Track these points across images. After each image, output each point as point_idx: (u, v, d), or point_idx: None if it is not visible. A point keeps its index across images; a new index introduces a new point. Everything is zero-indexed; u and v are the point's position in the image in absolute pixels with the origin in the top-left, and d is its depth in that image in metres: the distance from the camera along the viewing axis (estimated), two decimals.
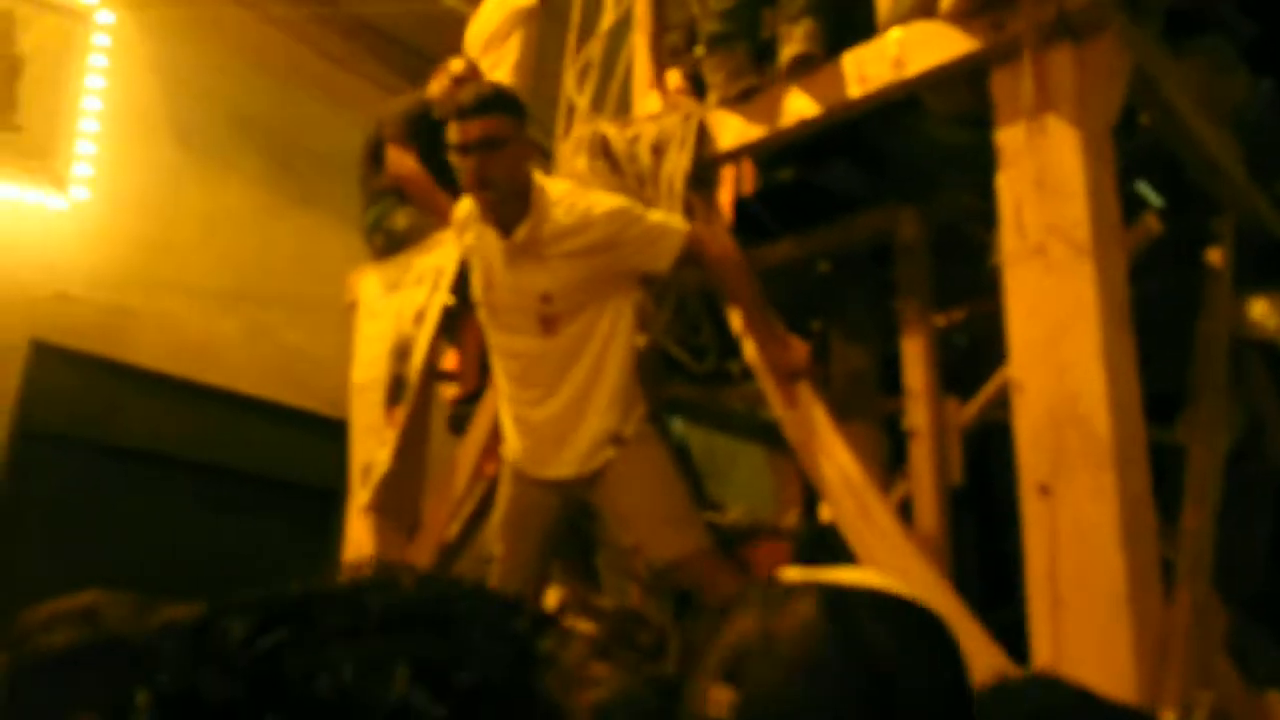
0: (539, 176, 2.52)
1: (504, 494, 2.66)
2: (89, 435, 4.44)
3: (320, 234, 5.21)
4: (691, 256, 2.49)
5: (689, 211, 2.61)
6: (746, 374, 3.16)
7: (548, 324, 2.48)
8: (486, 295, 2.60)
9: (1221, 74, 2.68)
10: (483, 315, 2.65)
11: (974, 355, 3.35)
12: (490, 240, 2.52)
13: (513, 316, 2.54)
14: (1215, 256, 2.78)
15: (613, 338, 2.49)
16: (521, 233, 2.45)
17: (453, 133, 2.44)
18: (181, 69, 5.04)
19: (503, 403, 2.65)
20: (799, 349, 2.51)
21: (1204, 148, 2.57)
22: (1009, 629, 2.03)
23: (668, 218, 2.52)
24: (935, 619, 0.76)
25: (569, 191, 2.51)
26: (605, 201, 2.49)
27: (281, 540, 4.86)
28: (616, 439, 2.49)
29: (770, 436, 4.25)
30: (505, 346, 2.59)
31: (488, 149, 2.40)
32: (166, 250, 4.84)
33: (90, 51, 4.80)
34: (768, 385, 2.50)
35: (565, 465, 2.52)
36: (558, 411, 2.49)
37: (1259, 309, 3.01)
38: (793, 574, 0.82)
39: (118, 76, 4.86)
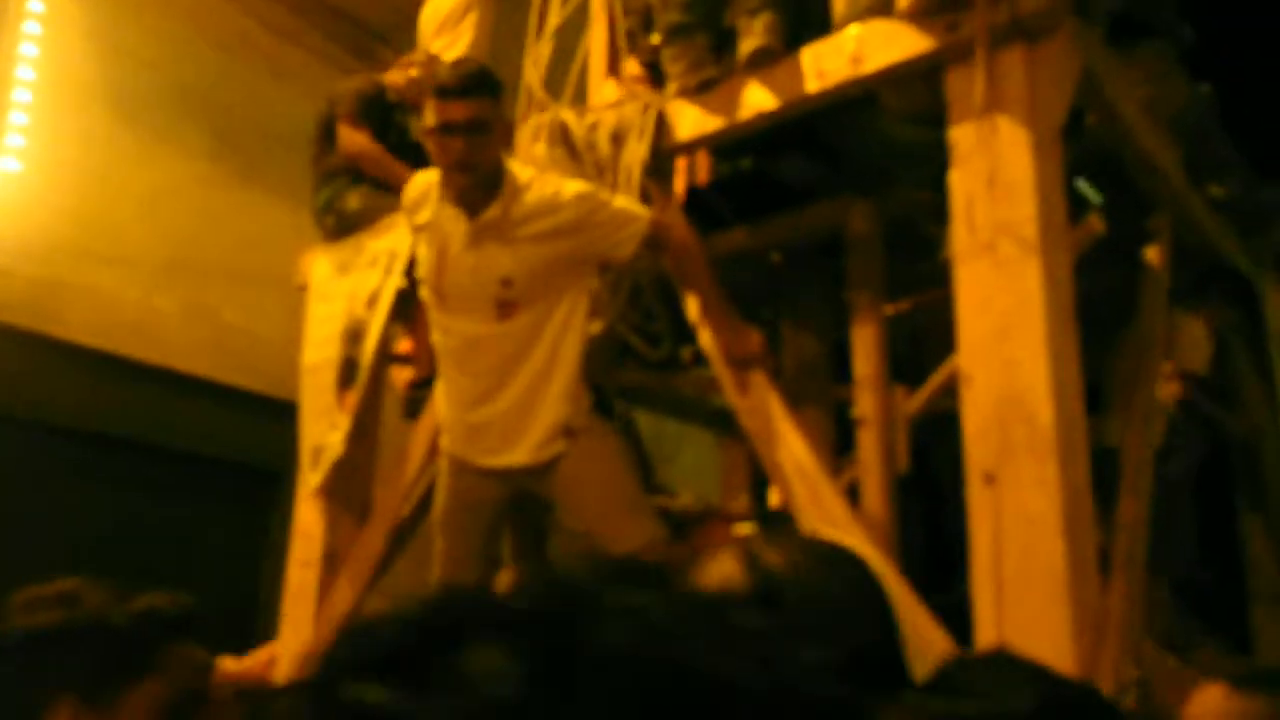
0: (508, 161, 2.52)
1: (444, 486, 2.64)
2: (20, 412, 4.33)
3: (263, 211, 5.13)
4: (653, 242, 2.51)
5: (646, 200, 2.63)
6: (697, 360, 3.21)
7: (504, 309, 2.46)
8: (437, 277, 2.56)
9: (1163, 78, 2.78)
10: (428, 297, 2.62)
11: (921, 345, 3.44)
12: (450, 221, 2.50)
13: (467, 300, 2.52)
14: (1152, 255, 2.88)
15: (568, 327, 2.49)
16: (491, 213, 2.44)
17: (432, 113, 2.40)
18: (119, 37, 4.90)
19: (445, 390, 2.63)
20: (753, 337, 2.55)
21: (1145, 149, 2.67)
22: (951, 611, 2.11)
23: (632, 204, 2.53)
24: (851, 555, 0.78)
25: (535, 175, 2.51)
26: (573, 185, 2.50)
27: (222, 522, 4.79)
28: (568, 431, 2.50)
29: (719, 422, 4.31)
30: (455, 330, 2.56)
31: (473, 132, 2.38)
32: (102, 224, 4.72)
33: (23, 18, 4.65)
34: (722, 372, 2.54)
35: (516, 455, 2.51)
36: (510, 401, 2.48)
37: (1189, 337, 3.13)
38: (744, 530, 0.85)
39: (52, 44, 4.72)
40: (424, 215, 2.58)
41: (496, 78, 2.52)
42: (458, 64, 2.67)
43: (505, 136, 2.53)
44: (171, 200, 4.97)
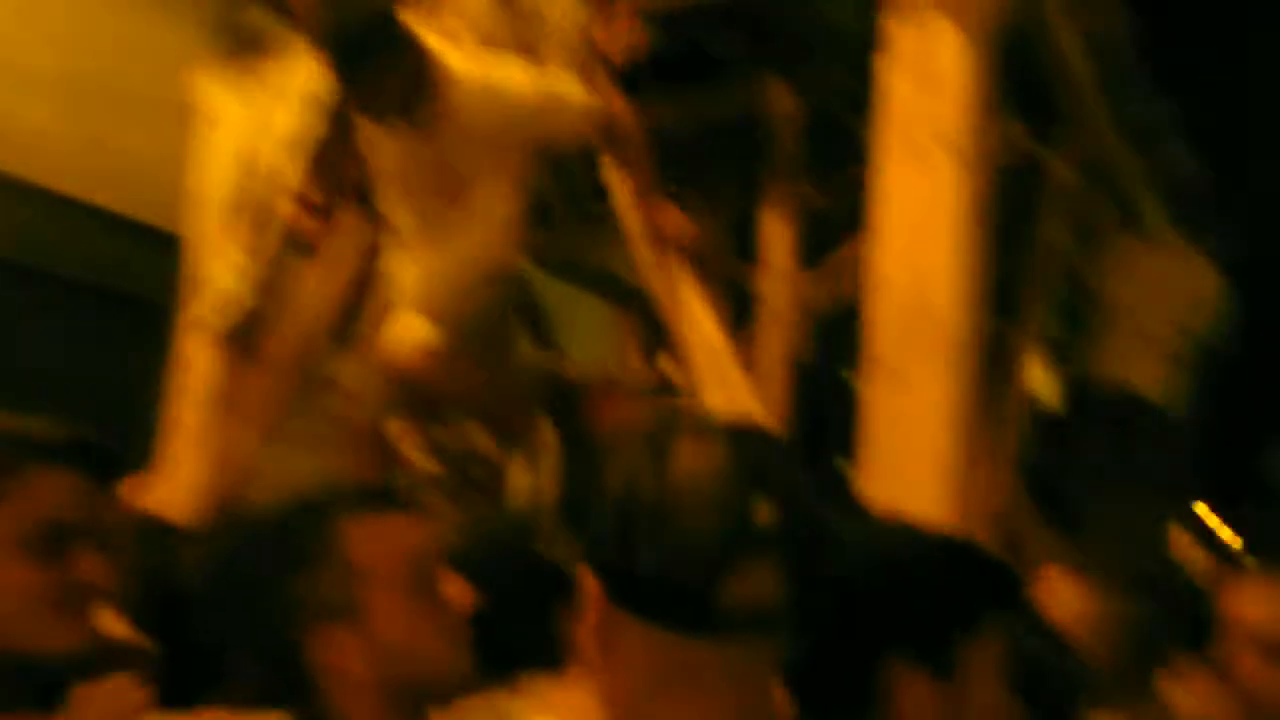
0: (432, 45, 2.38)
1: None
2: None
3: (150, 22, 4.76)
4: (601, 133, 2.45)
5: (576, 63, 2.56)
6: (604, 222, 3.19)
7: (443, 195, 2.44)
8: (379, 161, 2.56)
9: None
10: (378, 184, 2.61)
11: (824, 228, 3.51)
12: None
13: (406, 184, 2.51)
14: (1058, 166, 2.98)
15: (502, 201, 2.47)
16: (423, 120, 2.36)
17: None
18: None
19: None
20: (676, 217, 2.55)
21: (1063, 62, 2.72)
22: (825, 485, 2.23)
23: (578, 89, 2.46)
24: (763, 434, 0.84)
25: (472, 65, 2.39)
26: (512, 77, 2.39)
27: (101, 350, 4.61)
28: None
29: (618, 290, 4.34)
30: (396, 220, 2.57)
31: (366, 105, 2.36)
32: None
33: None
34: (639, 247, 2.54)
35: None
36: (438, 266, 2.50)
37: (1036, 377, 3.24)
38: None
39: None
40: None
41: (392, 31, 2.29)
42: (341, 38, 2.30)
43: (416, 58, 2.32)
44: (51, 9, 4.58)
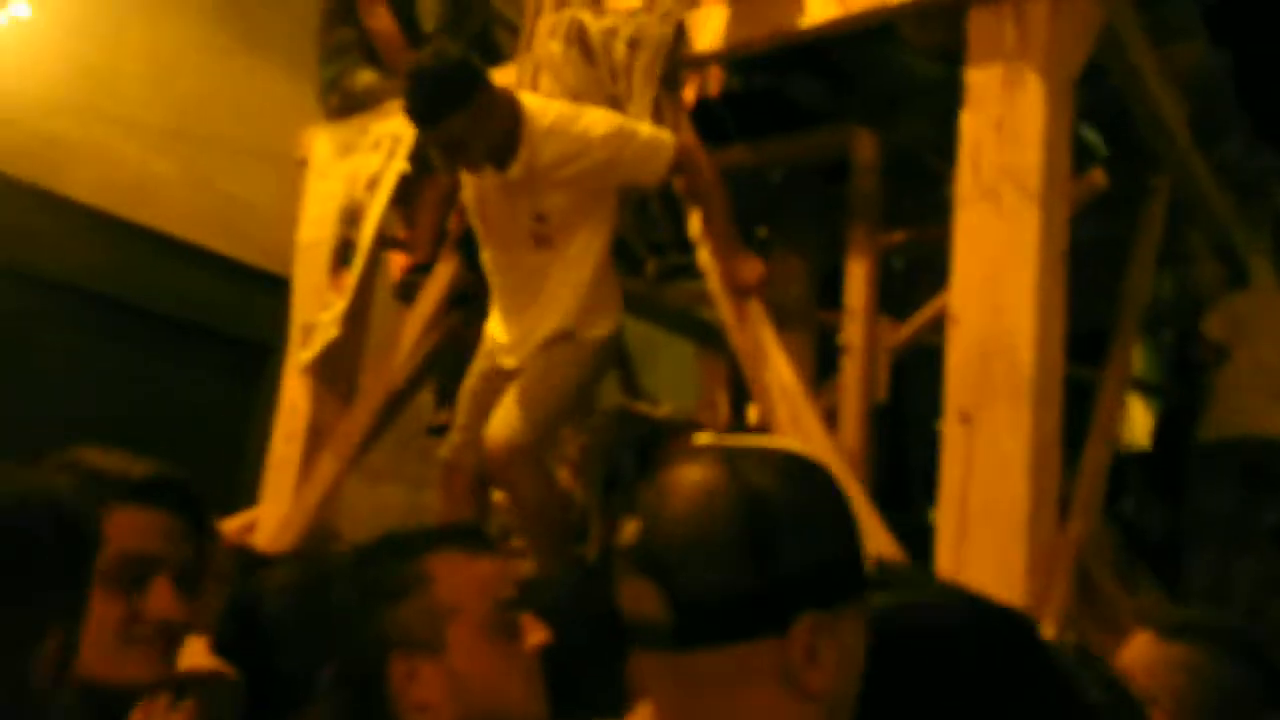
0: (524, 102, 2.49)
1: (477, 368, 2.72)
2: (14, 264, 4.32)
3: (265, 80, 5.05)
4: (676, 167, 2.52)
5: (658, 112, 2.63)
6: (688, 270, 3.24)
7: (541, 240, 2.52)
8: (480, 210, 2.64)
9: (1181, 36, 2.78)
10: (475, 226, 2.70)
11: (910, 279, 3.49)
12: (485, 171, 2.55)
13: (506, 234, 2.59)
14: (1151, 212, 2.92)
15: (596, 239, 2.55)
16: (515, 170, 2.46)
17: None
18: None
19: (495, 301, 2.72)
20: (754, 267, 2.58)
21: (1155, 106, 2.68)
22: (908, 533, 2.21)
23: (657, 132, 2.53)
24: (824, 473, 0.81)
25: (560, 117, 2.47)
26: (600, 123, 2.47)
27: (208, 390, 4.84)
28: (563, 335, 2.53)
29: (703, 333, 4.38)
30: (499, 261, 2.65)
31: (451, 151, 2.45)
32: (106, 79, 4.64)
33: None
34: (719, 295, 2.58)
35: (515, 359, 2.60)
36: (535, 314, 2.56)
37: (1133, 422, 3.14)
38: (706, 438, 0.89)
39: None
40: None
41: (463, 81, 2.38)
42: (419, 82, 2.40)
43: (505, 108, 2.43)
44: (175, 61, 4.88)
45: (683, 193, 2.70)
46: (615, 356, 2.82)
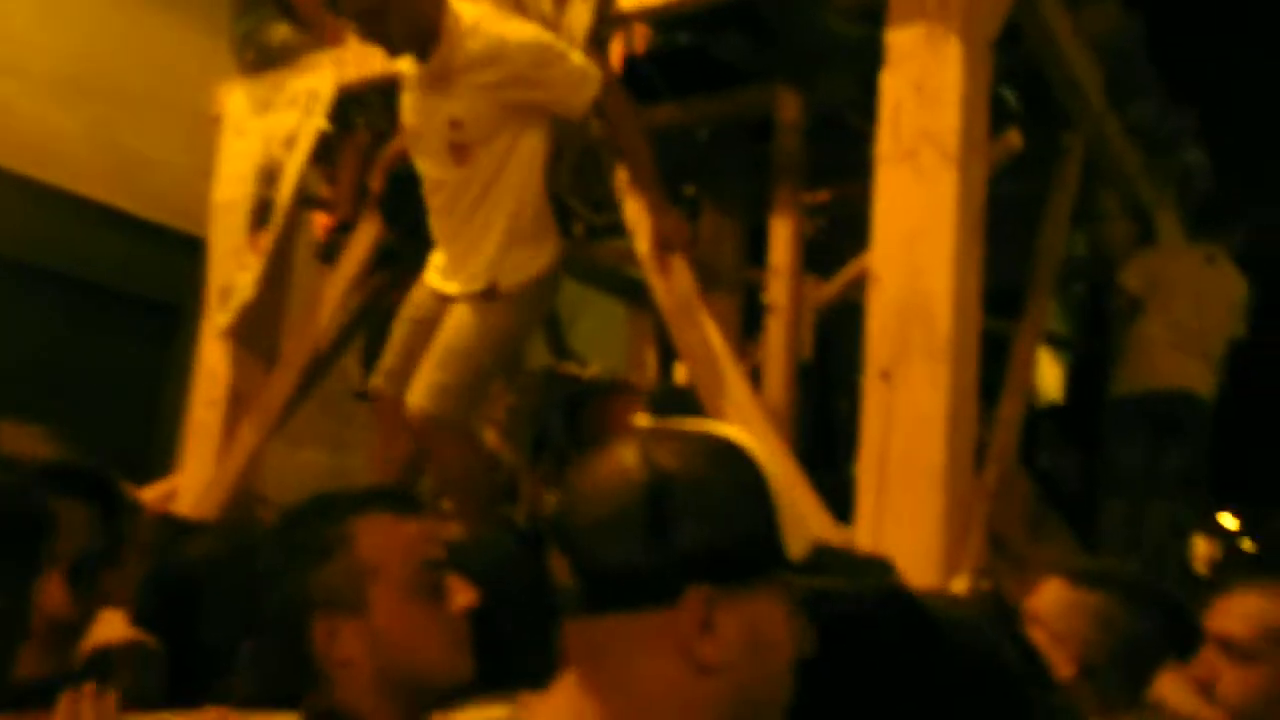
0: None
1: (415, 296, 2.67)
2: None
3: (172, 30, 4.85)
4: (598, 108, 2.49)
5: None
6: (617, 229, 3.24)
7: (458, 152, 2.46)
8: (409, 120, 2.59)
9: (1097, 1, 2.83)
10: (408, 142, 2.64)
11: (836, 237, 3.54)
12: (408, 67, 2.52)
13: (427, 142, 2.53)
14: (1064, 171, 2.99)
15: (524, 172, 2.48)
16: (433, 62, 2.42)
17: None
18: None
19: (432, 227, 2.65)
20: (678, 222, 2.58)
21: (1069, 68, 2.74)
22: (834, 490, 2.26)
23: (587, 63, 2.49)
24: (741, 457, 0.85)
25: (483, 18, 2.44)
26: (522, 32, 2.44)
27: (119, 354, 4.69)
28: (492, 283, 2.48)
29: (632, 292, 4.38)
30: (426, 174, 2.59)
31: (369, 20, 2.40)
32: None
33: None
34: (643, 249, 2.58)
35: (453, 285, 2.55)
36: (467, 239, 2.51)
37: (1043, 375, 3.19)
38: (644, 420, 0.94)
39: None
40: (405, 63, 2.58)
41: None
42: None
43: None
44: (72, 12, 4.67)
45: (607, 143, 2.67)
46: (548, 300, 2.76)
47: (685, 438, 0.86)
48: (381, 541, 1.20)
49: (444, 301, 2.58)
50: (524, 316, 2.59)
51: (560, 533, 0.84)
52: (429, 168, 2.57)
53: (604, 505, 0.82)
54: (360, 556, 1.18)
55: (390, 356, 2.65)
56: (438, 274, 2.62)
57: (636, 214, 2.60)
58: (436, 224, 2.60)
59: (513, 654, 1.33)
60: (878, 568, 1.28)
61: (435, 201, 2.58)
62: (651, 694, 0.79)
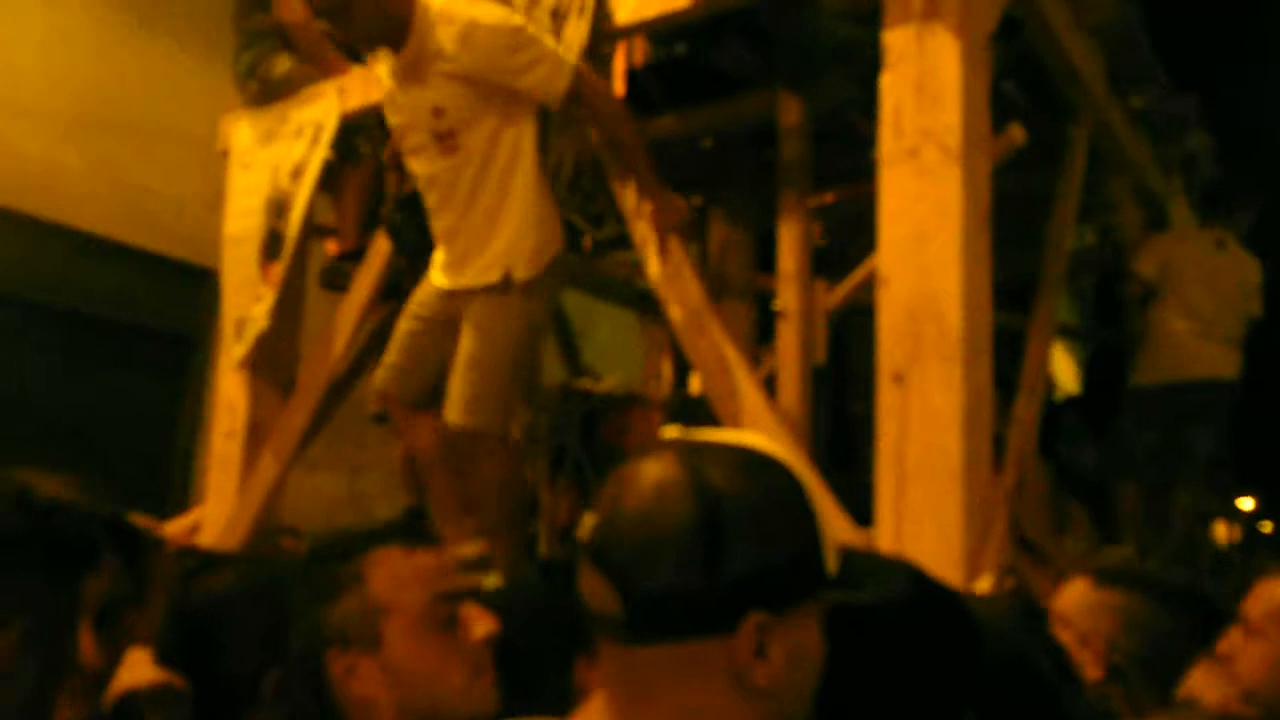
0: None
1: (415, 297, 2.66)
2: None
3: (172, 64, 4.91)
4: (579, 96, 2.47)
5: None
6: (626, 241, 3.25)
7: (443, 141, 2.47)
8: (394, 118, 2.59)
9: None
10: (398, 143, 2.64)
11: (844, 237, 3.53)
12: (385, 63, 2.54)
13: (413, 137, 2.53)
14: (1070, 162, 2.98)
15: (516, 163, 2.48)
16: (405, 53, 2.44)
17: None
18: None
19: (435, 235, 2.65)
20: (675, 204, 2.56)
21: (1070, 58, 2.73)
22: (851, 492, 2.25)
23: (562, 51, 2.49)
24: (784, 471, 0.82)
25: (453, 2, 2.43)
26: (492, 15, 2.42)
27: (133, 388, 4.73)
28: (508, 273, 2.47)
29: (643, 304, 4.39)
30: (419, 174, 2.59)
31: (335, 16, 2.42)
32: (3, 69, 4.47)
33: None
34: (642, 237, 2.56)
35: (465, 277, 2.53)
36: (469, 235, 2.51)
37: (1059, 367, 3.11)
38: (672, 432, 0.90)
39: None
40: (382, 65, 2.60)
41: None
42: None
43: None
44: (74, 48, 4.71)
45: (598, 137, 2.66)
46: (558, 293, 2.75)
47: (728, 452, 0.82)
48: (392, 577, 1.21)
49: (452, 299, 2.56)
50: (540, 308, 2.57)
51: (601, 557, 0.79)
52: (420, 164, 2.56)
53: (653, 528, 0.77)
54: (371, 593, 1.20)
55: (393, 353, 2.65)
56: (442, 272, 2.60)
57: (633, 202, 2.58)
58: (435, 221, 2.59)
59: (537, 687, 1.33)
60: (902, 570, 1.26)
61: (431, 199, 2.58)
62: None
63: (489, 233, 2.50)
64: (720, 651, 0.75)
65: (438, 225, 2.60)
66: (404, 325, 2.66)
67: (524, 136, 2.51)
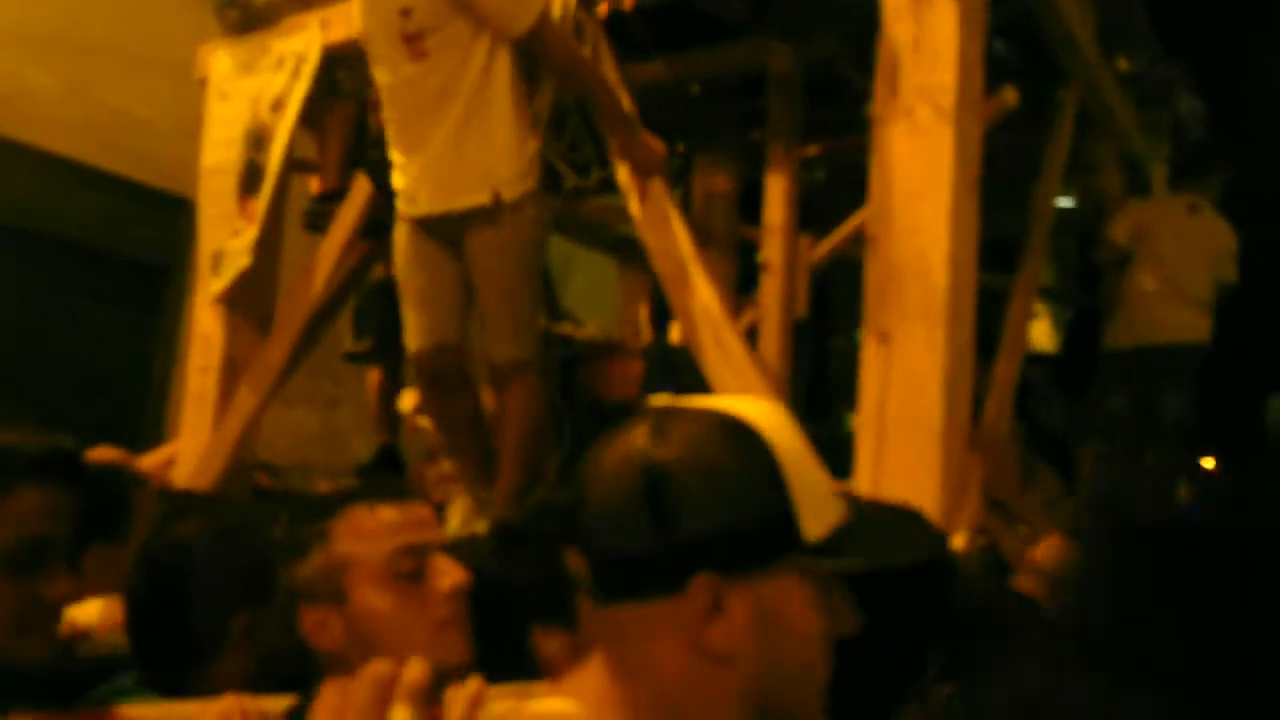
0: None
1: (400, 252, 2.58)
2: None
3: None
4: (539, 39, 2.42)
5: (578, 29, 2.56)
6: (609, 186, 3.22)
7: (412, 44, 2.40)
8: (361, 25, 2.53)
9: None
10: (367, 52, 2.57)
11: (830, 195, 3.53)
12: None
13: (381, 44, 2.47)
14: (1059, 124, 2.98)
15: (490, 79, 2.41)
16: None
17: None
18: None
19: (394, 155, 2.57)
20: (654, 145, 2.54)
21: (1064, 20, 2.71)
22: (829, 443, 2.28)
23: None
24: (751, 437, 0.83)
25: None
26: None
27: (105, 316, 4.66)
28: (496, 194, 2.41)
29: (624, 250, 4.37)
30: (385, 85, 2.52)
31: None
32: None
33: None
34: (623, 178, 2.55)
35: (443, 199, 2.46)
36: (438, 148, 2.44)
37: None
38: (661, 400, 0.92)
39: None
40: None
41: None
42: None
43: None
44: None
45: (560, 81, 2.63)
46: (546, 221, 2.70)
47: (693, 420, 0.84)
48: (354, 531, 1.22)
49: (439, 226, 2.48)
50: (536, 230, 2.52)
51: (570, 523, 0.84)
52: (386, 73, 2.49)
53: (608, 495, 0.82)
54: (334, 549, 1.21)
55: (418, 314, 2.54)
56: (409, 201, 2.51)
57: (621, 166, 2.56)
58: (399, 135, 2.50)
59: (519, 647, 1.34)
60: (915, 523, 1.24)
61: (395, 110, 2.50)
62: (666, 681, 0.79)
63: (457, 153, 2.42)
64: (676, 612, 0.79)
65: (402, 137, 2.49)
66: (413, 281, 2.55)
67: (499, 59, 2.43)
